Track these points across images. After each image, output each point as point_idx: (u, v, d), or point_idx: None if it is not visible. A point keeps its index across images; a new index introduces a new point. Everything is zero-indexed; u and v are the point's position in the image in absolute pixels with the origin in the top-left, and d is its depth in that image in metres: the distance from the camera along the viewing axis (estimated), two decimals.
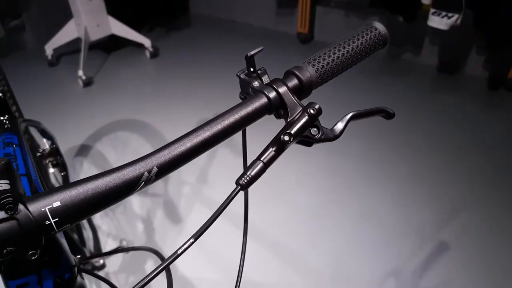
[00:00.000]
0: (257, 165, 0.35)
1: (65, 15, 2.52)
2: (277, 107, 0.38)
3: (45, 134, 1.12)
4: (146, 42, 2.66)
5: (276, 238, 1.42)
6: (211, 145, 0.35)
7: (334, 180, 1.66)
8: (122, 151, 1.88)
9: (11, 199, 0.28)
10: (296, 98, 0.38)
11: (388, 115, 0.42)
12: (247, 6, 3.16)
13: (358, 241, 1.40)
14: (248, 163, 0.36)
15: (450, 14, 1.75)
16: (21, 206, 0.28)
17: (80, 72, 2.38)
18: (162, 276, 0.34)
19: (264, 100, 0.37)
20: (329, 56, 0.41)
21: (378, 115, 0.42)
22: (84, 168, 1.78)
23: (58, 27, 2.54)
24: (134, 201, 1.59)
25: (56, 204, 0.29)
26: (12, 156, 0.62)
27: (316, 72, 0.40)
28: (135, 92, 2.37)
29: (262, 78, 0.40)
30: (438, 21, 1.79)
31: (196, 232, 0.31)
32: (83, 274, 0.44)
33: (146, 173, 0.32)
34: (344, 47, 0.42)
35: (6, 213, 0.27)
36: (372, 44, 0.43)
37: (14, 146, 0.66)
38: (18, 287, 0.37)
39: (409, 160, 1.75)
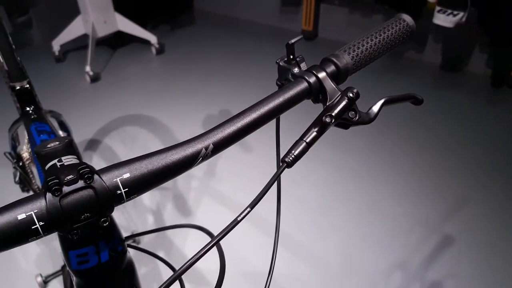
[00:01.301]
0: (300, 145, 0.38)
1: (72, 11, 2.54)
2: (316, 92, 0.41)
3: (63, 126, 1.15)
4: (152, 38, 2.69)
5: (284, 231, 1.44)
6: (258, 126, 0.38)
7: (339, 175, 1.69)
8: (130, 146, 1.90)
9: (88, 169, 0.30)
10: (334, 83, 0.41)
11: (417, 101, 0.45)
12: (251, 3, 3.19)
13: (363, 234, 1.43)
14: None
15: (455, 12, 1.78)
16: (96, 176, 0.31)
17: (88, 68, 2.40)
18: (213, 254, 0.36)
19: (304, 84, 0.40)
20: (363, 45, 0.44)
21: (408, 101, 0.45)
22: (94, 162, 1.80)
23: (65, 23, 2.56)
24: (144, 195, 1.62)
25: (126, 175, 0.32)
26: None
27: (352, 59, 0.43)
28: (142, 88, 2.40)
29: (301, 65, 0.43)
30: (444, 19, 1.83)
31: (252, 202, 0.34)
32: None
33: (203, 150, 0.34)
34: (376, 37, 0.45)
35: (85, 182, 0.30)
36: (400, 35, 0.46)
37: (48, 133, 0.69)
38: (78, 257, 0.39)
39: (412, 155, 1.78)
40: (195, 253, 0.34)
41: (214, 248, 0.35)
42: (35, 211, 0.28)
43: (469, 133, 1.90)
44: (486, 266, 1.30)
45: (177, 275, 0.34)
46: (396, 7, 2.19)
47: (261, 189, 0.35)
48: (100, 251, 0.40)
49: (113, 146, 1.90)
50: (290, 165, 0.37)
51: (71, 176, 0.30)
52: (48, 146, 0.37)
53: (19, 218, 0.28)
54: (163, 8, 3.41)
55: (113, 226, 0.41)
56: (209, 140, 0.35)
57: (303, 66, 0.43)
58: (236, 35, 3.04)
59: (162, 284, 0.34)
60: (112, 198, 0.31)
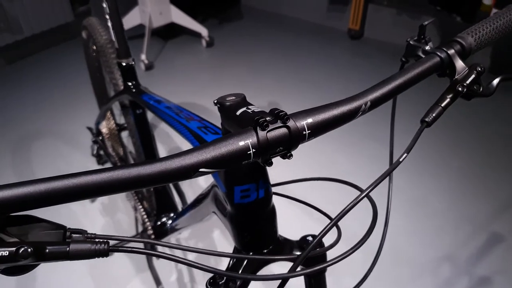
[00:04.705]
0: (437, 108, 0.45)
1: (129, 2, 2.67)
2: (446, 67, 0.48)
3: None
4: (204, 31, 2.79)
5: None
6: (398, 92, 0.45)
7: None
8: None
9: (285, 112, 0.38)
10: (461, 60, 0.47)
11: None
12: (298, 1, 3.25)
13: (412, 226, 1.48)
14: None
15: None
16: (289, 119, 0.38)
17: (143, 56, 2.52)
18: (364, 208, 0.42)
19: (437, 59, 0.47)
20: (483, 29, 0.50)
21: None
22: None
23: (122, 13, 2.69)
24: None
25: (310, 120, 0.39)
26: (173, 108, 0.73)
27: (474, 41, 0.49)
28: (193, 77, 2.51)
29: (429, 44, 0.50)
30: None
31: (407, 147, 0.41)
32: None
33: (363, 105, 0.42)
34: (494, 23, 0.51)
35: (283, 122, 0.38)
36: None
37: (166, 101, 0.78)
38: (242, 192, 0.47)
39: (460, 154, 1.81)
40: (348, 203, 0.40)
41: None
42: (250, 140, 0.36)
43: None
44: None
45: (335, 222, 0.41)
46: (448, 8, 2.20)
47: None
48: (259, 188, 0.48)
49: (169, 130, 2.01)
50: (429, 124, 0.44)
51: (270, 118, 0.38)
52: (228, 99, 0.45)
53: (240, 145, 0.36)
54: (212, 3, 3.52)
55: (266, 169, 0.49)
56: (367, 98, 0.42)
57: (430, 45, 0.50)
58: (282, 31, 3.12)
59: (323, 230, 0.41)
60: (299, 137, 0.39)
